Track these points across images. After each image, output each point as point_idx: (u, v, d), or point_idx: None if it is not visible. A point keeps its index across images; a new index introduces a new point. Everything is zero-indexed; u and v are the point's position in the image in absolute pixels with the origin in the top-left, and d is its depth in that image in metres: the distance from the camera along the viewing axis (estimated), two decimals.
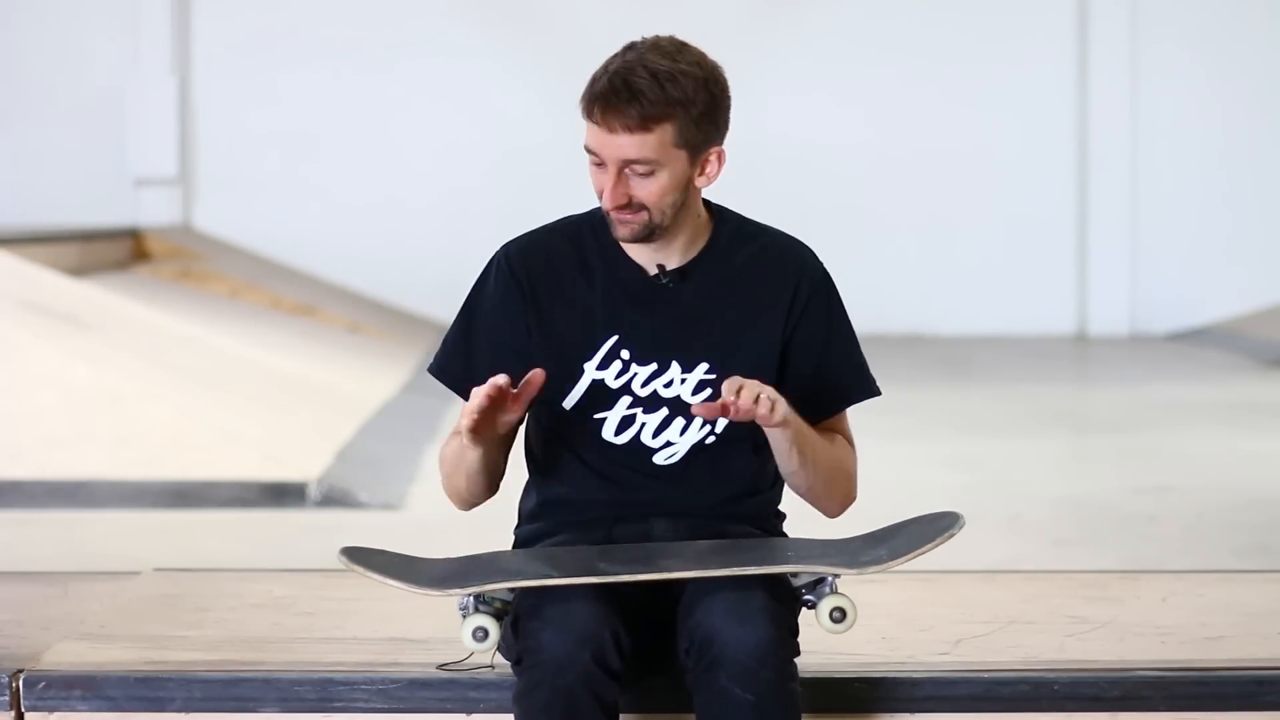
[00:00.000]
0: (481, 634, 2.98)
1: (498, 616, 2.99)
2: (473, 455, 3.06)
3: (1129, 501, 7.62)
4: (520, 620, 2.93)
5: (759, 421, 2.95)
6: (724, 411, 2.93)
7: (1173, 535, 6.97)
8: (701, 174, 3.06)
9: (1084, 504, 7.59)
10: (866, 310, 15.57)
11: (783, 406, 2.97)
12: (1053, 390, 11.84)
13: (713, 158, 3.07)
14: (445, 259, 14.56)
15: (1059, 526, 7.13)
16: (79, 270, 11.71)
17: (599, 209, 3.12)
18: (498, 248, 3.16)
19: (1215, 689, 3.24)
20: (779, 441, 3.04)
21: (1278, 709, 3.22)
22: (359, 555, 3.01)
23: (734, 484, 3.13)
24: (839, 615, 2.96)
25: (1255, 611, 3.66)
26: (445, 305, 14.55)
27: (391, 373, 11.23)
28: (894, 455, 8.88)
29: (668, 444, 3.10)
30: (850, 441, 3.24)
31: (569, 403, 3.10)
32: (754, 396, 2.93)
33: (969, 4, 15.39)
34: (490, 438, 3.03)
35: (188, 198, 15.30)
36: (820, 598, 2.98)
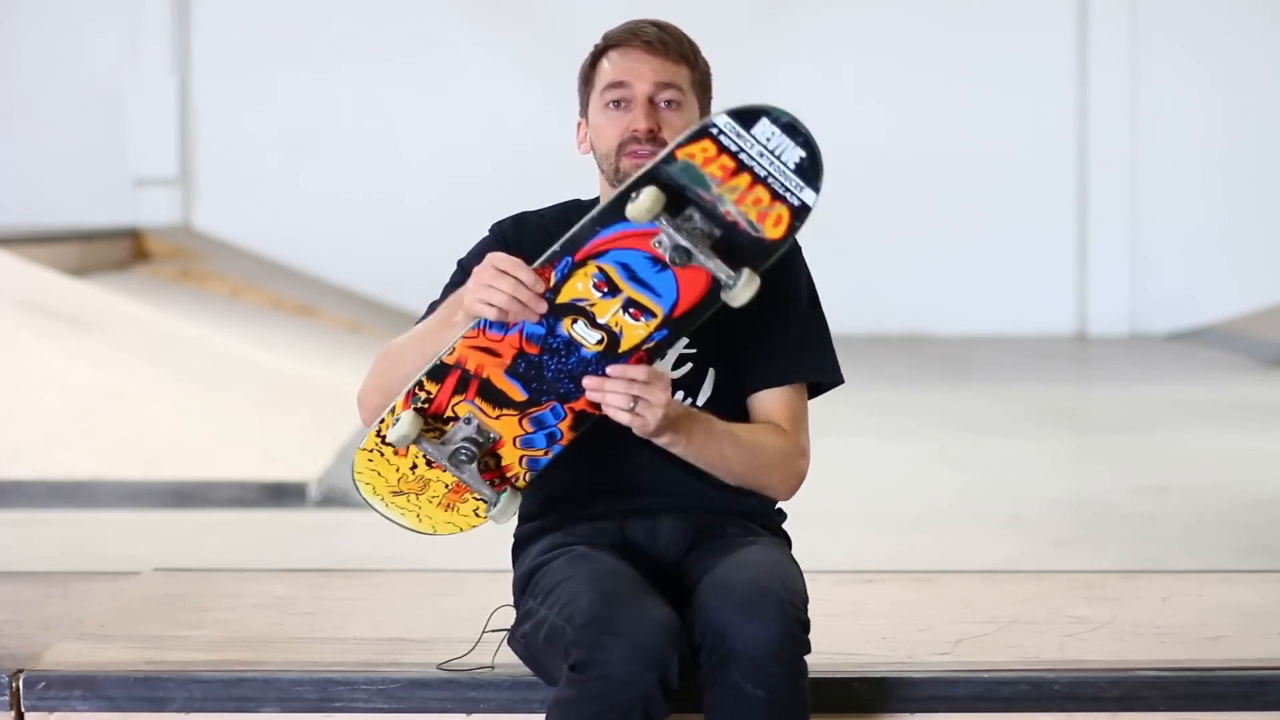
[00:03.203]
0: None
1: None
2: (452, 336, 3.00)
3: (1129, 501, 7.62)
4: (584, 627, 2.88)
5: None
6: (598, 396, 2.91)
7: (1173, 535, 6.97)
8: None
9: (1084, 504, 7.59)
10: (866, 310, 15.59)
11: (654, 416, 2.91)
12: (1053, 390, 11.84)
13: None
14: (446, 258, 14.48)
15: (1059, 526, 7.12)
16: (79, 270, 11.72)
17: (580, 198, 3.19)
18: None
19: (1215, 689, 3.24)
20: (689, 459, 3.03)
21: (1278, 709, 3.22)
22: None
23: None
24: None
25: (1255, 611, 3.66)
26: None
27: None
28: (894, 455, 8.88)
29: None
30: (792, 425, 3.14)
31: None
32: (624, 401, 2.90)
33: (968, 4, 15.39)
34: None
35: (188, 198, 15.30)
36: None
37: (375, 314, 14.31)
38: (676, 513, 3.13)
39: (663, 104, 3.08)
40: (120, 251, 13.71)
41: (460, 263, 3.20)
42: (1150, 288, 15.46)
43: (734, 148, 2.84)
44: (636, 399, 2.90)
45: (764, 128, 2.84)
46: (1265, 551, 6.63)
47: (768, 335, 3.13)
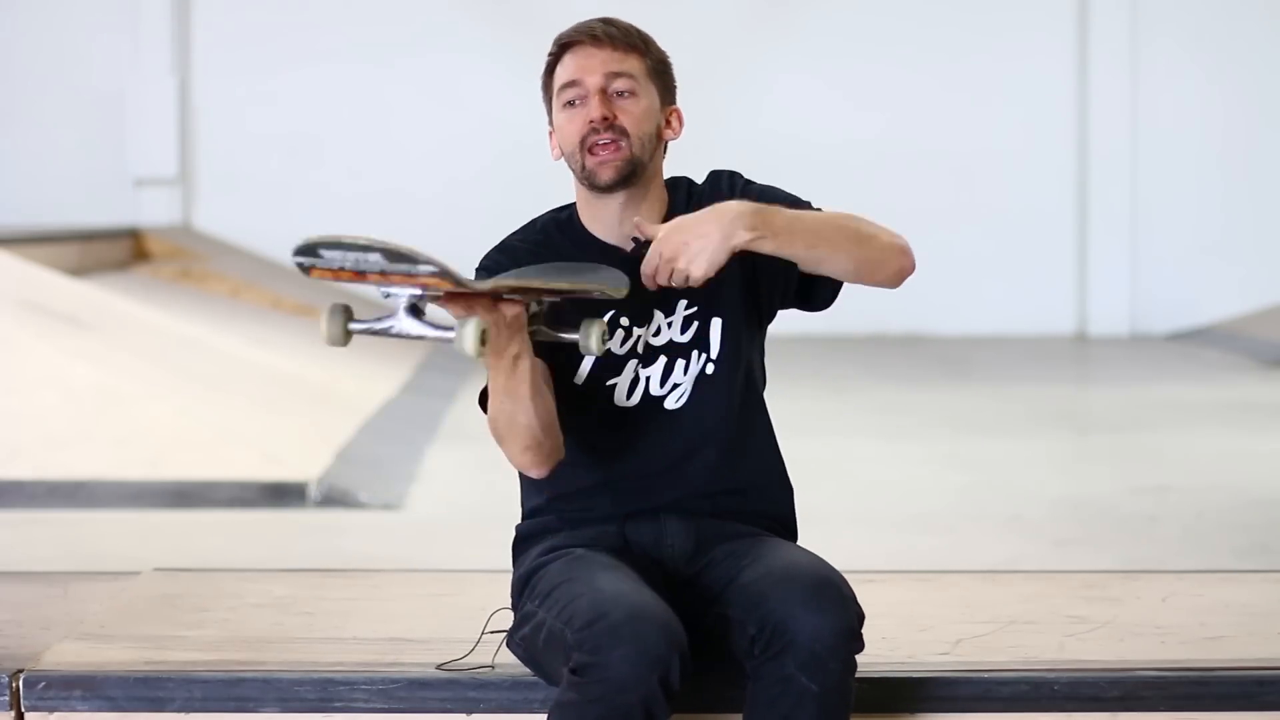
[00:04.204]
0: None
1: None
2: (524, 372, 3.00)
3: (1129, 501, 7.62)
4: (584, 630, 2.89)
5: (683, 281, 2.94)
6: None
7: (1173, 535, 6.97)
8: (667, 126, 3.17)
9: (1084, 504, 7.59)
10: (866, 310, 15.58)
11: (700, 263, 2.92)
12: (1053, 390, 11.84)
13: (674, 115, 3.19)
14: (445, 258, 14.56)
15: (1059, 526, 7.13)
16: (79, 270, 11.72)
17: (559, 209, 3.21)
18: (475, 267, 3.19)
19: (1215, 689, 3.24)
20: (784, 253, 2.99)
21: (1278, 709, 3.22)
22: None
23: (739, 410, 3.15)
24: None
25: (1255, 611, 3.66)
26: None
27: (391, 373, 11.23)
28: (894, 455, 8.88)
29: (675, 386, 3.14)
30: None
31: (579, 378, 3.14)
32: (662, 271, 2.93)
33: (969, 4, 15.39)
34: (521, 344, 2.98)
35: (188, 198, 15.30)
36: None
37: (375, 314, 14.28)
38: (679, 513, 3.14)
39: (616, 93, 3.11)
40: (120, 251, 13.71)
41: None
42: (1150, 288, 15.46)
43: (336, 266, 2.83)
44: (671, 258, 2.92)
45: (332, 254, 2.83)
46: (1265, 551, 6.63)
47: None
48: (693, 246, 2.94)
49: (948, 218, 15.43)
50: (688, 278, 2.95)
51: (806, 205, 3.13)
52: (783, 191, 3.17)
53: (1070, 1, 15.38)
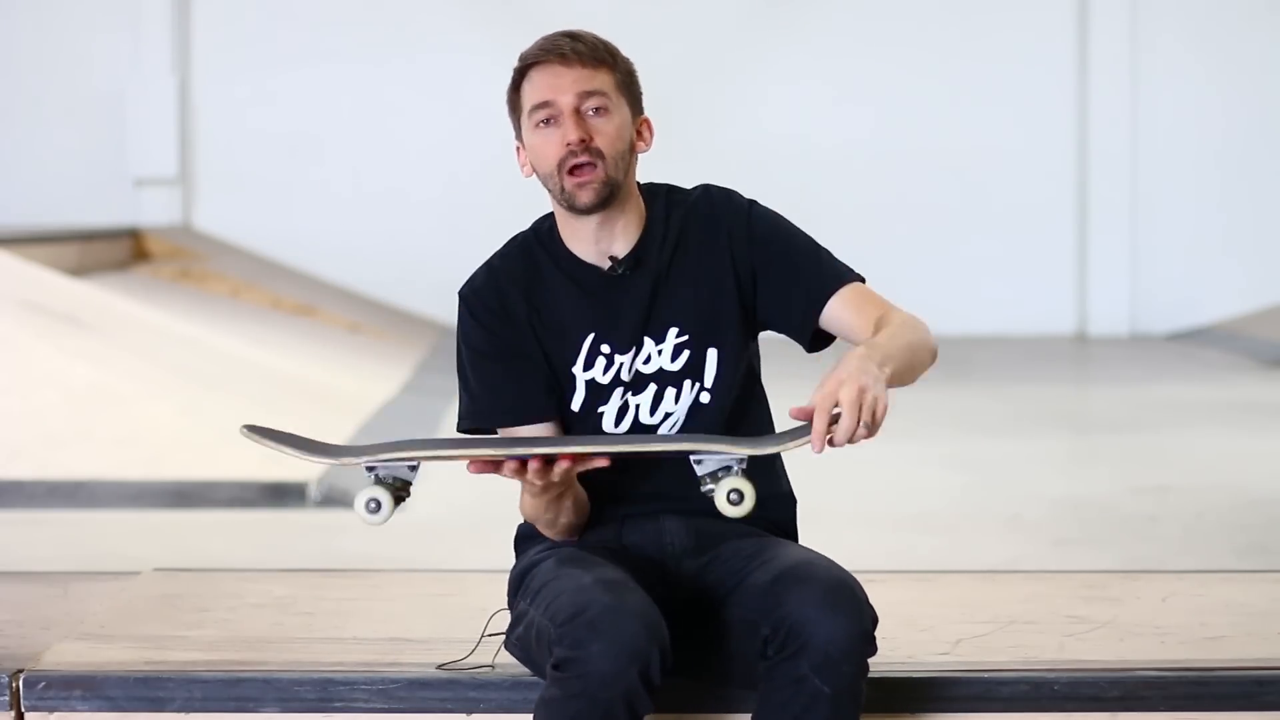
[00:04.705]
0: (374, 505, 2.98)
1: (396, 496, 3.02)
2: (566, 501, 3.07)
3: (1129, 501, 7.62)
4: (565, 625, 2.90)
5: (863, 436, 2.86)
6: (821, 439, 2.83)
7: (1173, 535, 6.97)
8: (639, 138, 3.15)
9: (1084, 504, 7.59)
10: None
11: (880, 399, 2.83)
12: (1053, 390, 11.84)
13: (645, 125, 3.17)
14: (445, 258, 14.55)
15: (1059, 526, 7.13)
16: (79, 270, 11.72)
17: (540, 221, 3.19)
18: (458, 292, 3.18)
19: (1215, 689, 3.23)
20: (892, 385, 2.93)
21: (1278, 709, 3.22)
22: (262, 430, 3.05)
23: (737, 434, 3.12)
24: (736, 497, 2.88)
25: (1255, 611, 3.66)
26: (445, 305, 14.56)
27: (391, 373, 11.23)
28: (894, 455, 8.88)
29: (667, 415, 3.13)
30: (883, 304, 3.09)
31: (575, 406, 3.14)
32: (855, 419, 2.82)
33: (969, 3, 15.39)
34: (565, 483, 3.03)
35: (188, 198, 15.31)
36: (717, 482, 2.93)
37: (375, 314, 14.31)
38: (677, 515, 3.14)
39: (590, 112, 3.09)
40: (120, 251, 13.72)
41: (464, 355, 3.19)
42: (1150, 288, 15.46)
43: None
44: (863, 406, 2.82)
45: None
46: (1265, 551, 6.63)
47: (785, 273, 3.11)
48: (870, 390, 2.83)
49: (948, 218, 15.43)
50: (875, 415, 2.84)
51: (809, 241, 3.12)
52: (787, 223, 3.16)
53: (1070, 2, 15.39)
